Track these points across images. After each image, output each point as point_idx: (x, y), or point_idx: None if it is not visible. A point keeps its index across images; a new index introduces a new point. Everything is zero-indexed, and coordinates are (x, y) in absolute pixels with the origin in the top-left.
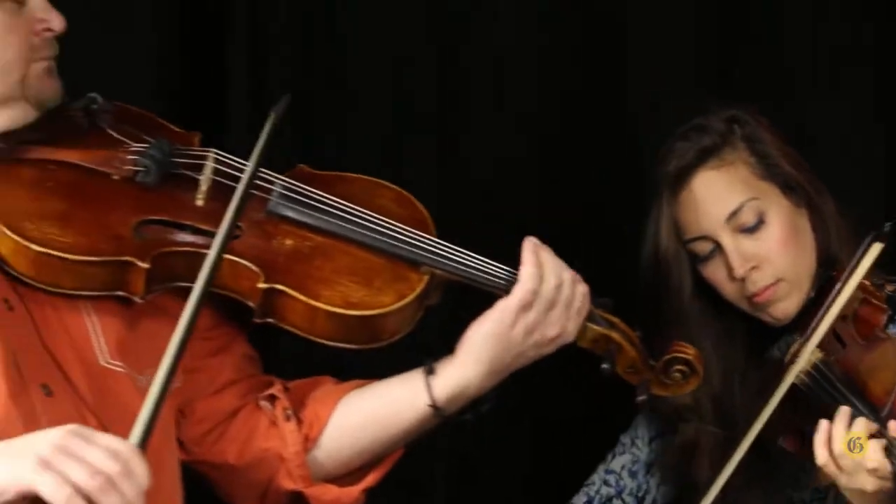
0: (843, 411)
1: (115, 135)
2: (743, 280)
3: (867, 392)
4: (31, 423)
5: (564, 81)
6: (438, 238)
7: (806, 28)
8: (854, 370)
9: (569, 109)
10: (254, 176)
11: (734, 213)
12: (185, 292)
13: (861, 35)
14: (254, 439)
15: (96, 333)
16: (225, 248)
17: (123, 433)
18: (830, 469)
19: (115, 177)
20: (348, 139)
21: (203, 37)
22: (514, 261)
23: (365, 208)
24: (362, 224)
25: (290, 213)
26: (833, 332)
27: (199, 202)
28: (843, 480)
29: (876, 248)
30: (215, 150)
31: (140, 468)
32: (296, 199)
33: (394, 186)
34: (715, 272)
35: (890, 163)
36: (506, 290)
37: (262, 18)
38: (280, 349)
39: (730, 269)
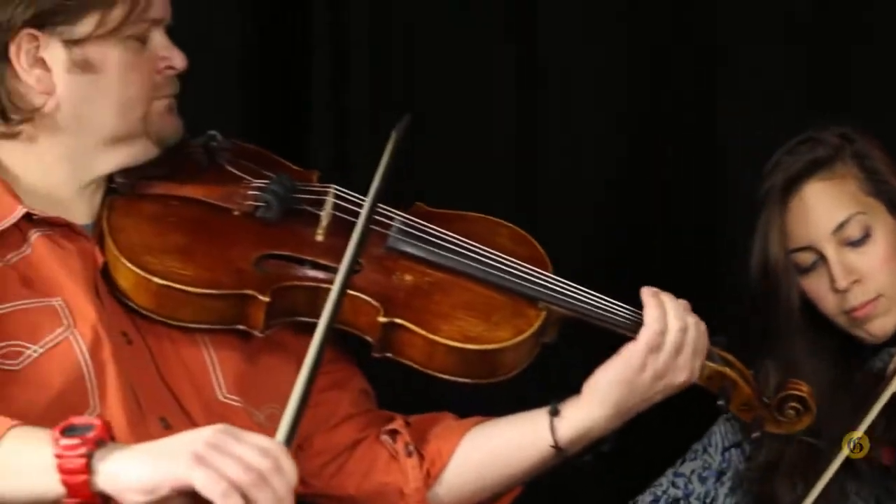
0: None
1: (234, 171)
2: (844, 293)
3: None
4: None
5: (650, 104)
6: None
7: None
8: None
9: (655, 131)
10: (373, 211)
11: (841, 226)
12: (303, 327)
13: None
14: (373, 473)
15: (214, 367)
16: (348, 283)
17: None
18: None
19: (236, 212)
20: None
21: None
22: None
23: (483, 244)
24: (481, 260)
25: (410, 249)
26: None
27: (319, 237)
28: None
29: None
30: (335, 186)
31: (288, 465)
32: (415, 235)
33: (511, 225)
34: (816, 284)
35: None
36: (626, 328)
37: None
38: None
39: (832, 281)
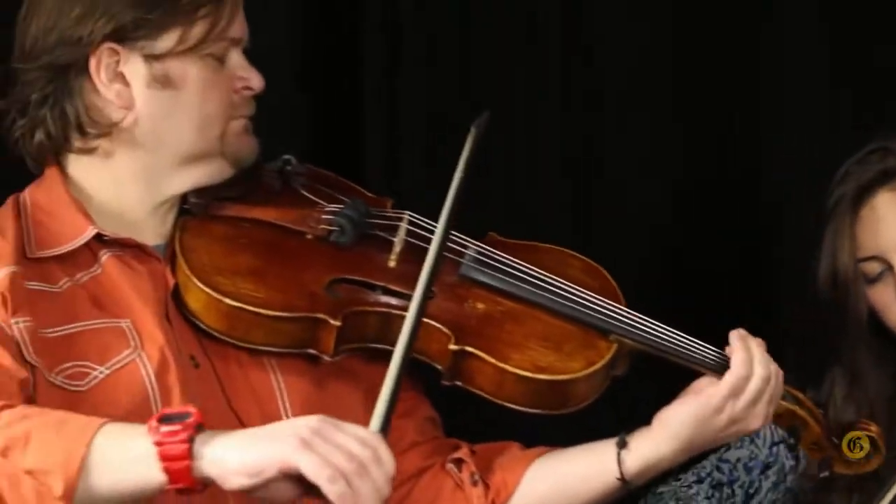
0: None
1: (308, 195)
2: None
3: None
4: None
5: (705, 124)
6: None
7: None
8: None
9: (709, 153)
10: (447, 238)
11: None
12: (373, 355)
13: None
14: (439, 501)
15: (281, 392)
16: (424, 310)
17: None
18: None
19: (309, 236)
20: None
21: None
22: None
23: (555, 275)
24: (553, 291)
25: (483, 278)
26: None
27: (392, 263)
28: None
29: None
30: (409, 213)
31: (387, 455)
32: (488, 263)
33: (583, 257)
34: (882, 294)
35: None
36: (702, 365)
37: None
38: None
39: None
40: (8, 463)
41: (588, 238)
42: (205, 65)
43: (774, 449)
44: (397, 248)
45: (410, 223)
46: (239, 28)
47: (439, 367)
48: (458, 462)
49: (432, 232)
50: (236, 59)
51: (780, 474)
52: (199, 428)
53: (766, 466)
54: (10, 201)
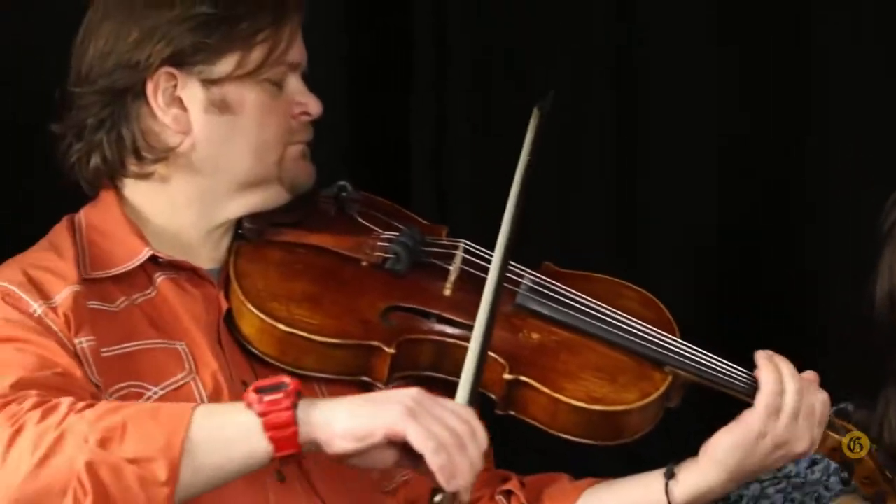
0: None
1: (363, 222)
2: None
3: None
4: None
5: (748, 149)
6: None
7: None
8: None
9: (753, 178)
10: (504, 269)
11: None
12: (423, 383)
13: None
14: None
15: None
16: (488, 345)
17: None
18: None
19: (364, 263)
20: None
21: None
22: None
23: (611, 306)
24: (608, 322)
25: (538, 308)
26: None
27: (447, 292)
28: None
29: None
30: (465, 242)
31: (481, 431)
32: (544, 293)
33: (638, 288)
34: None
35: None
36: (746, 393)
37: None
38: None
39: None
40: (108, 454)
41: (632, 261)
42: (263, 90)
43: (815, 466)
44: (452, 277)
45: (466, 251)
46: (297, 53)
47: (493, 396)
48: (508, 494)
49: (488, 260)
50: (294, 84)
51: (824, 472)
52: (299, 394)
53: (814, 462)
54: (64, 221)
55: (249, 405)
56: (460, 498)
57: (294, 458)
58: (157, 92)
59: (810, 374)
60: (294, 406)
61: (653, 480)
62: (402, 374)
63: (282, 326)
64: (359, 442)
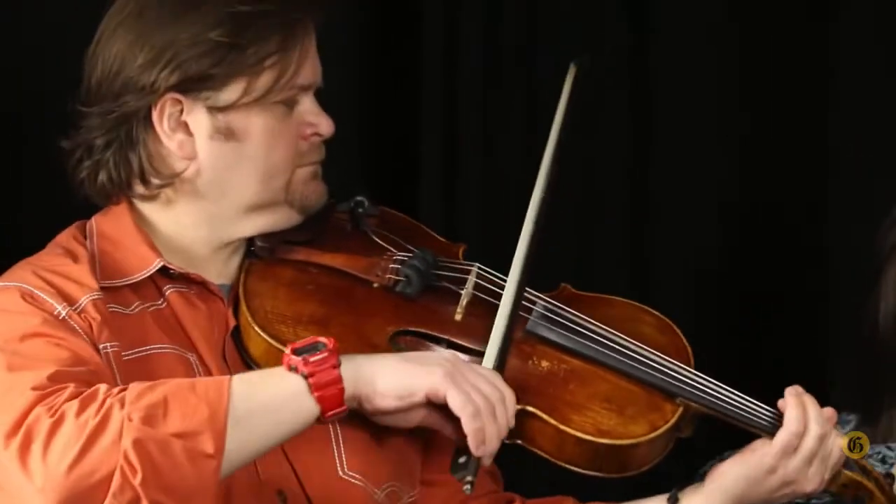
0: None
1: (377, 241)
2: None
3: None
4: None
5: (762, 161)
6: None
7: None
8: None
9: (769, 192)
10: (519, 298)
11: None
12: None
13: None
14: None
15: (338, 443)
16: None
17: None
18: None
19: (376, 284)
20: None
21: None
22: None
23: (625, 333)
24: (621, 351)
25: (549, 335)
26: None
27: (458, 316)
28: None
29: None
30: (479, 266)
31: (510, 396)
32: (556, 320)
33: (656, 313)
34: None
35: None
36: (763, 429)
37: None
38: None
39: None
40: (154, 430)
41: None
42: (271, 114)
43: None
44: (464, 301)
45: (479, 275)
46: (310, 73)
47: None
48: None
49: (501, 285)
50: (306, 104)
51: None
52: (338, 352)
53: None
54: (75, 228)
55: (292, 367)
56: (483, 462)
57: (339, 416)
58: (162, 117)
59: (830, 412)
60: (339, 364)
61: None
62: None
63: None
64: (400, 400)
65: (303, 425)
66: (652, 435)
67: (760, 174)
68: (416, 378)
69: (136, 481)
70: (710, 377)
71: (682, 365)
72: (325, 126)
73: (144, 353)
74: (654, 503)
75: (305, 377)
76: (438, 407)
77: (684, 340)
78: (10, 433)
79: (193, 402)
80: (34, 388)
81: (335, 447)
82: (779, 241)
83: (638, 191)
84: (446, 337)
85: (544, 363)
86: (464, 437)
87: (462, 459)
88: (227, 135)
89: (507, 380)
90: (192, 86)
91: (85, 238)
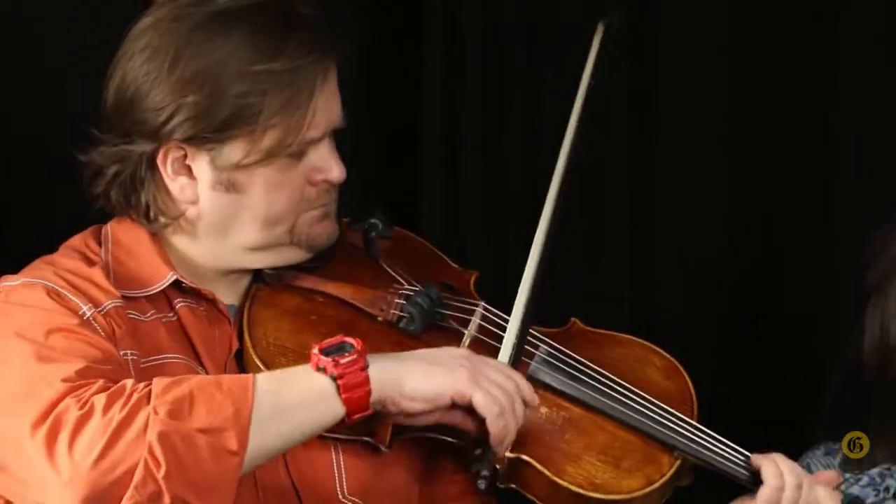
0: None
1: (387, 269)
2: None
3: None
4: None
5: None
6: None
7: None
8: None
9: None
10: (522, 342)
11: None
12: (430, 442)
13: None
14: None
15: (340, 469)
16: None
17: None
18: None
19: (380, 318)
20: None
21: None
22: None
23: (632, 375)
24: (621, 401)
25: (551, 381)
26: None
27: None
28: None
29: None
30: (484, 305)
31: (528, 389)
32: (558, 366)
33: (665, 354)
34: None
35: None
36: (748, 481)
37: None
38: None
39: None
40: (180, 424)
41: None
42: (276, 167)
43: None
44: (466, 342)
45: (483, 316)
46: (323, 123)
47: (497, 466)
48: None
49: (503, 328)
50: (319, 150)
51: None
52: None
53: None
54: (90, 233)
55: (321, 368)
56: (499, 454)
57: (364, 418)
58: (166, 160)
59: (829, 475)
60: (367, 366)
61: None
62: (405, 437)
63: None
64: (427, 403)
65: (327, 426)
66: (646, 490)
67: (763, 183)
68: (442, 382)
69: (160, 475)
70: (710, 429)
71: (682, 417)
72: (336, 173)
73: (160, 362)
74: None
75: (334, 378)
76: (461, 407)
77: (690, 386)
78: (37, 422)
79: (219, 399)
80: (64, 380)
81: (336, 471)
82: (780, 249)
83: (638, 198)
84: None
85: (543, 409)
86: (484, 432)
87: (479, 451)
88: (229, 187)
89: None
90: (195, 140)
91: (99, 244)
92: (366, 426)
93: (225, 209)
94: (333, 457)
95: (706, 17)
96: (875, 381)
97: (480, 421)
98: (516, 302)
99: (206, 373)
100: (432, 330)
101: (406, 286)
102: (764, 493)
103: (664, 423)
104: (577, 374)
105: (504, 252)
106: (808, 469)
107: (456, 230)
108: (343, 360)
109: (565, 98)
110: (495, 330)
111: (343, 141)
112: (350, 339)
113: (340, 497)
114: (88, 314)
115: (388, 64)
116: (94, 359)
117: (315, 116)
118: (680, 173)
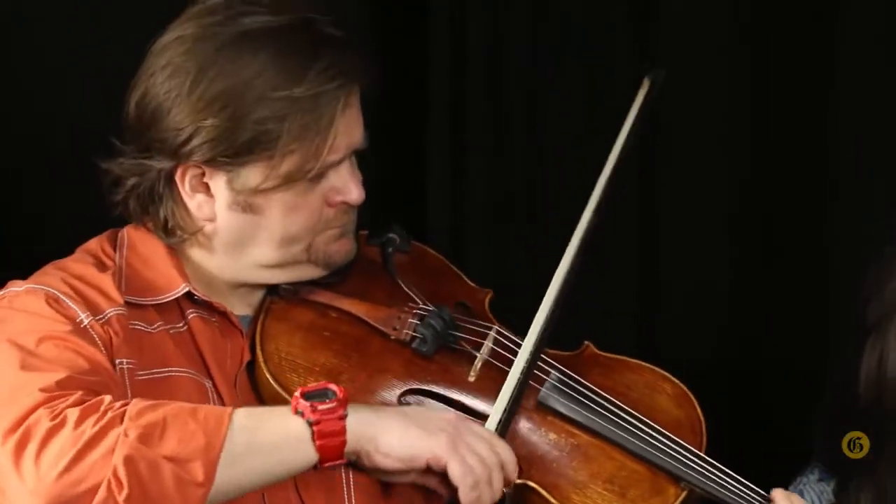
0: None
1: (402, 286)
2: None
3: None
4: None
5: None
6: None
7: None
8: None
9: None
10: (530, 369)
11: None
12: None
13: None
14: None
15: (348, 487)
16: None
17: None
18: None
19: (392, 337)
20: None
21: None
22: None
23: (642, 403)
24: (630, 430)
25: (560, 408)
26: None
27: (472, 378)
28: None
29: None
30: (497, 328)
31: (508, 458)
32: (568, 393)
33: (678, 382)
34: None
35: None
36: None
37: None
38: None
39: None
40: (148, 449)
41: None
42: (293, 190)
43: None
44: (477, 365)
45: (496, 341)
46: (343, 146)
47: (504, 489)
48: None
49: (515, 352)
50: (337, 174)
51: None
52: (346, 403)
53: None
54: (106, 237)
55: (300, 411)
56: None
57: (335, 467)
58: (184, 178)
59: None
60: (346, 415)
61: None
62: None
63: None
64: (401, 463)
65: (298, 470)
66: None
67: (763, 183)
68: (420, 444)
69: (121, 497)
70: (717, 461)
71: (690, 448)
72: (355, 195)
73: (163, 375)
74: None
75: (310, 424)
76: (436, 472)
77: (700, 415)
78: (9, 430)
79: (192, 428)
80: (42, 390)
81: (346, 491)
82: (780, 249)
83: (644, 199)
84: (457, 398)
85: (552, 435)
86: (457, 499)
87: None
88: (245, 208)
89: (514, 448)
90: (213, 162)
91: (114, 249)
92: None
93: (241, 228)
94: (343, 474)
95: (706, 18)
96: (870, 409)
97: (454, 489)
98: (516, 361)
99: (214, 385)
100: (444, 351)
101: (421, 305)
102: None
103: (671, 454)
104: (586, 401)
105: (504, 252)
106: (801, 495)
107: (461, 231)
108: (321, 407)
109: (565, 98)
110: (507, 354)
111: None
112: (333, 387)
113: None
114: (86, 322)
115: (393, 66)
116: (79, 369)
117: (335, 141)
118: (680, 173)
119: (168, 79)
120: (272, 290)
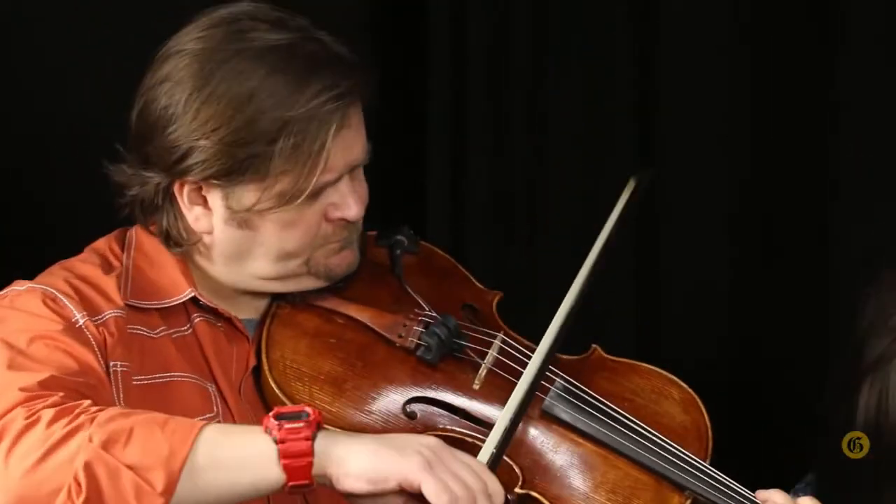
0: None
1: (409, 291)
2: None
3: None
4: None
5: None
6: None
7: None
8: None
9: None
10: (535, 386)
11: None
12: None
13: None
14: None
15: None
16: (504, 450)
17: None
18: None
19: (398, 344)
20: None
21: None
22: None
23: (648, 409)
24: (634, 439)
25: (565, 417)
26: None
27: (476, 386)
28: None
29: None
30: (502, 336)
31: (496, 487)
32: (572, 402)
33: (685, 387)
34: None
35: None
36: None
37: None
38: None
39: None
40: (109, 456)
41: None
42: (290, 208)
43: None
44: (482, 373)
45: (500, 349)
46: (340, 163)
47: (508, 497)
48: None
49: (521, 361)
50: (336, 190)
51: None
52: (319, 426)
53: None
54: (114, 236)
55: (268, 430)
56: None
57: (304, 489)
58: (182, 190)
59: None
60: (313, 437)
61: None
62: None
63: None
64: (371, 485)
65: (265, 490)
66: None
67: (763, 183)
68: (389, 464)
69: (79, 501)
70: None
71: (694, 457)
72: (354, 213)
73: (163, 380)
74: None
75: (275, 442)
76: (414, 496)
77: (707, 421)
78: None
79: (158, 439)
80: (22, 390)
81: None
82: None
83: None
84: (462, 407)
85: (556, 444)
86: None
87: None
88: (241, 224)
89: (517, 458)
90: (208, 181)
91: (122, 248)
92: None
93: (238, 243)
94: None
95: (706, 18)
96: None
97: None
98: (512, 395)
99: (218, 389)
100: (449, 359)
101: (427, 311)
102: None
103: (676, 463)
104: (591, 410)
105: (504, 252)
106: None
107: (461, 231)
108: (287, 426)
109: (565, 98)
110: (511, 364)
111: None
112: (309, 409)
113: None
114: (81, 322)
115: (393, 66)
116: (66, 370)
117: (329, 162)
118: (679, 173)
119: (166, 94)
120: (278, 294)
